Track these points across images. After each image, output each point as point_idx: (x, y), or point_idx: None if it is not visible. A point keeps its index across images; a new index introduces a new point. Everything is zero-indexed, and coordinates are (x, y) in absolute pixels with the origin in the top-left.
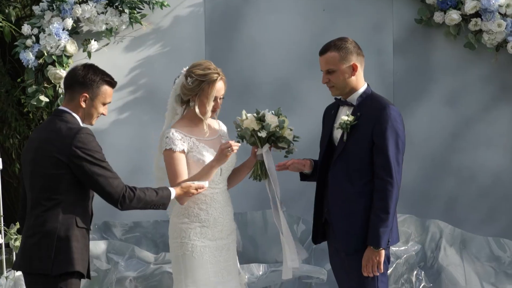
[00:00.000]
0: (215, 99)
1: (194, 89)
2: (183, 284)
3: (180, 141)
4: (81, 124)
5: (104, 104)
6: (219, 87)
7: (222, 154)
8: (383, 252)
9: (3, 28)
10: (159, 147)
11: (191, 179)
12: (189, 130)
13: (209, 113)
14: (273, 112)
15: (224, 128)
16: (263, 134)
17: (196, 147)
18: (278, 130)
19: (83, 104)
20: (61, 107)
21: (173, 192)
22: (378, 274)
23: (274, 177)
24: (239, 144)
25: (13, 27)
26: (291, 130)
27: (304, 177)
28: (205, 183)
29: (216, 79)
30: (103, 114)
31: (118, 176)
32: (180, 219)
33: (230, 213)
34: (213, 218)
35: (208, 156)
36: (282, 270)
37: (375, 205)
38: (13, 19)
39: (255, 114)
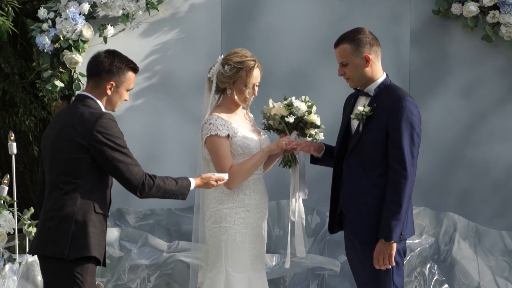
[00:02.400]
0: (252, 86)
1: (232, 76)
2: (223, 269)
3: (224, 126)
4: (104, 110)
5: (127, 90)
6: (256, 74)
7: (277, 144)
8: (394, 245)
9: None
10: (201, 137)
11: (245, 163)
12: (228, 116)
13: (249, 100)
14: (301, 98)
15: (252, 117)
16: (291, 119)
17: (239, 131)
18: (306, 114)
19: (109, 92)
20: (84, 93)
21: (193, 182)
22: (393, 266)
23: (302, 164)
24: (294, 141)
25: (11, 25)
26: (318, 116)
27: (314, 160)
28: (225, 175)
29: (254, 66)
30: (126, 100)
31: (139, 164)
32: (224, 204)
33: (267, 202)
34: (256, 203)
35: (252, 140)
36: (286, 260)
37: (387, 198)
38: (10, 18)
39: (283, 101)
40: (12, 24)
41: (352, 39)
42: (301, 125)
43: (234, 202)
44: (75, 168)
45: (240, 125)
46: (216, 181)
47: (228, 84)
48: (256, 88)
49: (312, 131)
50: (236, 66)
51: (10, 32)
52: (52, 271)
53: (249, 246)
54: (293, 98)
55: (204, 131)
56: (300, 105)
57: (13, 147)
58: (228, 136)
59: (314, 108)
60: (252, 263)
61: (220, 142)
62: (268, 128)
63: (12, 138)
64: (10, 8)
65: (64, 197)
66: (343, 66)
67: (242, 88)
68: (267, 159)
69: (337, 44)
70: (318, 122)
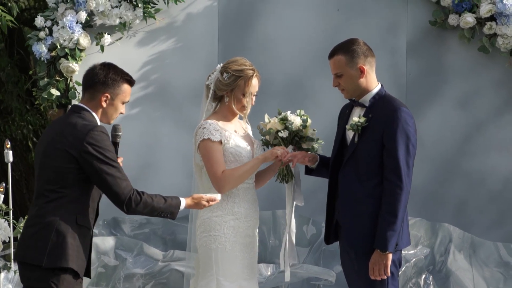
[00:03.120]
0: (250, 95)
1: (230, 84)
2: (214, 278)
3: (217, 131)
4: (99, 123)
5: (123, 103)
6: (254, 84)
7: (272, 152)
8: (390, 255)
9: (1, 21)
10: (194, 142)
11: (238, 169)
12: (223, 124)
13: (247, 109)
14: (296, 112)
15: (249, 131)
16: (284, 134)
17: (232, 139)
18: (301, 129)
19: (104, 104)
20: (80, 104)
21: (183, 202)
22: (388, 277)
23: (297, 177)
24: (290, 153)
25: (13, 20)
26: (314, 130)
27: (308, 171)
28: (217, 196)
29: (252, 75)
30: (121, 113)
31: (127, 179)
32: (213, 212)
33: (258, 211)
34: (245, 212)
35: (245, 149)
36: (285, 273)
37: (383, 208)
38: (15, 13)
39: (277, 115)
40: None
41: (346, 50)
42: (297, 139)
43: (223, 210)
44: (63, 178)
45: (234, 133)
46: (208, 201)
47: (226, 92)
48: (254, 98)
49: (309, 145)
50: (235, 74)
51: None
52: (29, 278)
53: (240, 255)
54: (289, 112)
55: (197, 135)
56: (295, 119)
57: (9, 155)
58: (220, 142)
59: (309, 122)
60: (243, 271)
61: (213, 147)
62: (265, 144)
63: (8, 146)
64: (13, 3)
65: (48, 205)
66: (337, 77)
67: (240, 96)
68: (261, 175)
69: (331, 55)
70: (314, 137)
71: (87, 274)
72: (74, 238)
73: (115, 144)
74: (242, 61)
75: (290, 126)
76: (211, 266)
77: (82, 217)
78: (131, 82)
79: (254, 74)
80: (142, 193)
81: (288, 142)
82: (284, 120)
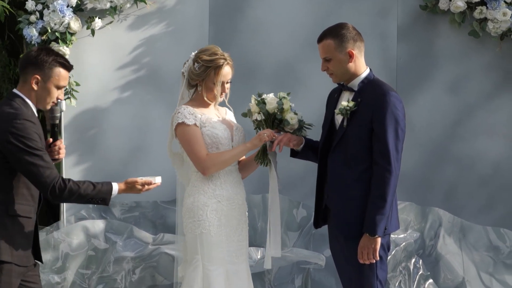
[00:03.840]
0: (222, 84)
1: (201, 74)
2: (200, 263)
3: (192, 115)
4: (34, 109)
5: (58, 87)
6: (226, 72)
7: (260, 138)
8: (379, 239)
9: None
10: (170, 130)
11: (224, 153)
12: (200, 110)
13: (218, 98)
14: (279, 95)
15: (231, 116)
16: (259, 117)
17: (208, 122)
18: (278, 112)
19: (35, 87)
20: (14, 90)
21: (116, 187)
22: (377, 261)
23: (274, 164)
24: (276, 136)
25: (7, 6)
26: (295, 114)
27: (293, 153)
28: (157, 179)
29: (222, 65)
30: (59, 99)
31: (53, 167)
32: (196, 197)
33: (243, 194)
34: (227, 194)
35: (221, 131)
36: (264, 259)
37: (372, 192)
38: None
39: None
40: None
41: (335, 35)
42: (277, 122)
43: (205, 194)
44: None
45: (209, 117)
46: (143, 185)
47: (198, 81)
48: (228, 85)
49: (291, 129)
50: (205, 65)
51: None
52: None
53: (226, 239)
54: (271, 95)
55: (173, 121)
56: (270, 102)
57: None
58: (195, 125)
59: (286, 105)
60: (230, 255)
61: (190, 130)
62: (257, 126)
63: None
64: None
65: None
66: (326, 61)
67: (211, 85)
68: (248, 165)
69: (320, 39)
70: (294, 121)
71: (38, 258)
72: (6, 229)
73: (54, 126)
74: (214, 50)
75: (263, 109)
76: (197, 251)
77: (13, 206)
78: (65, 66)
79: (225, 63)
80: (68, 181)
81: (270, 125)
82: (259, 103)
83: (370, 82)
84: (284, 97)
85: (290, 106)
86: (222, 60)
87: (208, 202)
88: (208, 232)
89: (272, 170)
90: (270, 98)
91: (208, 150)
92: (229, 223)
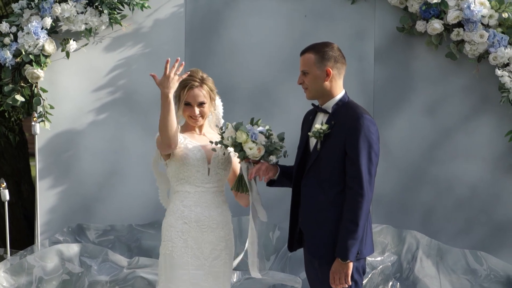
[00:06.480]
0: (189, 105)
1: (177, 95)
2: (165, 285)
3: None
4: None
5: None
6: (192, 94)
7: (164, 77)
8: (351, 264)
9: None
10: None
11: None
12: (185, 133)
13: (196, 119)
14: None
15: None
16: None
17: (185, 142)
18: (235, 142)
19: None
20: None
21: None
22: (351, 285)
23: (255, 193)
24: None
25: None
26: (253, 143)
27: (270, 182)
28: None
29: (187, 85)
30: None
31: None
32: (167, 218)
33: (220, 216)
34: (196, 216)
35: (192, 149)
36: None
37: (344, 216)
38: None
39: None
40: None
41: (318, 50)
42: (238, 150)
43: (173, 215)
44: None
45: (190, 139)
46: None
47: (178, 104)
48: (196, 109)
49: (255, 158)
50: (179, 86)
51: None
52: None
53: (193, 261)
54: (232, 123)
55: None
56: (230, 132)
57: (5, 194)
58: None
59: (243, 138)
60: (196, 278)
61: None
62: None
63: (4, 186)
64: None
65: None
66: (303, 74)
67: (182, 106)
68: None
69: (303, 52)
70: (252, 152)
71: None
72: None
73: None
74: (191, 72)
75: (224, 138)
76: (161, 271)
77: None
78: None
79: (191, 84)
80: None
81: (241, 155)
82: (221, 132)
83: (344, 105)
84: (239, 128)
85: (248, 135)
86: (190, 81)
87: (174, 224)
88: (170, 253)
89: (253, 194)
90: (230, 128)
91: (179, 166)
92: (198, 246)
